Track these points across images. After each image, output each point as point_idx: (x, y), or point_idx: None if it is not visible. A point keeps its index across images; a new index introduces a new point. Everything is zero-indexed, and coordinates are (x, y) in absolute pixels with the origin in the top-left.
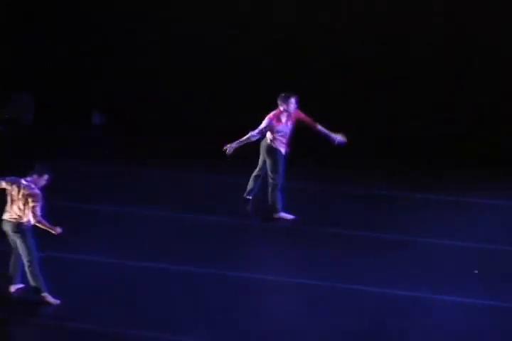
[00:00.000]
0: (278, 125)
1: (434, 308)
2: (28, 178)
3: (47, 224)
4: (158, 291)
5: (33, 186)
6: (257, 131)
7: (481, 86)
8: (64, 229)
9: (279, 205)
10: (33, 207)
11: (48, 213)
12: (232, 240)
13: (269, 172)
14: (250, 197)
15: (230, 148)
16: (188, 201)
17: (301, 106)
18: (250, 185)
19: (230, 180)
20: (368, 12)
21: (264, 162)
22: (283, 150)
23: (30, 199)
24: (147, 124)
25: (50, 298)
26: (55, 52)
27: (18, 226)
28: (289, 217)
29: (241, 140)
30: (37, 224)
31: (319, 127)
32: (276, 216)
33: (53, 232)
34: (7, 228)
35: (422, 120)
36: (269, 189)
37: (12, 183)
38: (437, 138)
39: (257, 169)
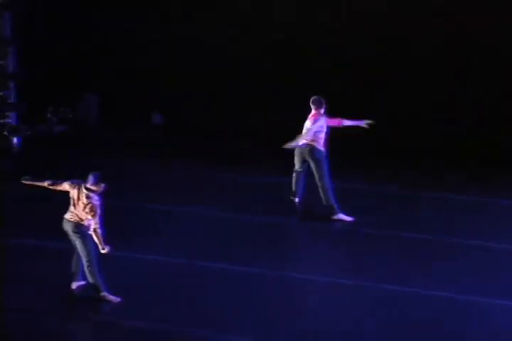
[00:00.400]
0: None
1: (494, 312)
2: (88, 184)
3: (100, 238)
4: (215, 291)
5: (92, 196)
6: (316, 129)
7: (481, 86)
8: (111, 248)
9: (335, 206)
10: (92, 217)
11: (109, 212)
12: (286, 241)
13: (317, 175)
14: (297, 199)
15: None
16: (242, 202)
17: (301, 106)
18: (294, 186)
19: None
20: (368, 12)
21: (303, 162)
22: (324, 151)
23: (88, 210)
24: (204, 125)
25: (109, 297)
26: (118, 53)
27: (78, 227)
28: (348, 218)
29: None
30: (92, 234)
31: (346, 122)
32: (334, 217)
33: (101, 248)
34: (67, 227)
35: (422, 120)
36: (321, 191)
37: (74, 187)
38: (437, 139)
39: (298, 169)
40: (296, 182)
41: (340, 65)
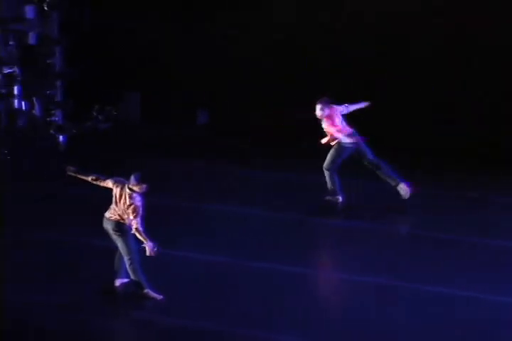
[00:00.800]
0: None
1: None
2: (131, 184)
3: (144, 236)
4: (258, 290)
5: (135, 197)
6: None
7: (481, 86)
8: (157, 245)
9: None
10: (134, 218)
11: (153, 211)
12: (328, 240)
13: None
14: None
15: None
16: (286, 201)
17: (302, 106)
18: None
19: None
20: (368, 12)
21: (337, 158)
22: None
23: (130, 211)
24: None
25: (152, 294)
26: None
27: (119, 226)
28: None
29: None
30: (135, 233)
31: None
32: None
33: (145, 245)
34: (108, 226)
35: (422, 120)
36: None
37: (117, 185)
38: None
39: (331, 167)
40: (332, 181)
41: (341, 64)
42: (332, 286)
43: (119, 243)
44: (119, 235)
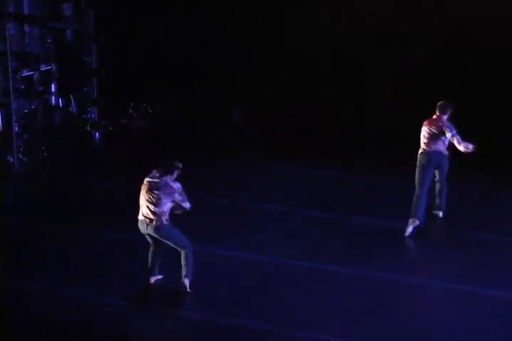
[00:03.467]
0: None
1: None
2: (151, 175)
3: (180, 202)
4: (306, 289)
5: (157, 179)
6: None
7: (481, 85)
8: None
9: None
10: (156, 207)
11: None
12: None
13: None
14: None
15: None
16: (333, 201)
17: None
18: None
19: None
20: (369, 12)
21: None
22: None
23: (154, 201)
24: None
25: (186, 283)
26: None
27: (155, 228)
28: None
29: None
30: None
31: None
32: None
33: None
34: (142, 227)
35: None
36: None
37: (144, 186)
38: None
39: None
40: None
41: (340, 64)
42: (379, 287)
43: (171, 241)
44: (161, 237)
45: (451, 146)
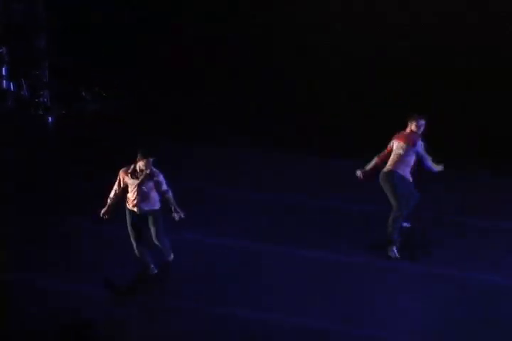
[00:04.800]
0: None
1: None
2: (132, 166)
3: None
4: (315, 281)
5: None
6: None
7: (481, 85)
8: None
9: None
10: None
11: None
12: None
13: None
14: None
15: None
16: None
17: (302, 106)
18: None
19: None
20: (368, 12)
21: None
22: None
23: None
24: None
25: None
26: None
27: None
28: None
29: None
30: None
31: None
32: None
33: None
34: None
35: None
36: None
37: (126, 173)
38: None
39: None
40: None
41: (340, 64)
42: (390, 278)
43: (158, 227)
44: (156, 220)
45: None
